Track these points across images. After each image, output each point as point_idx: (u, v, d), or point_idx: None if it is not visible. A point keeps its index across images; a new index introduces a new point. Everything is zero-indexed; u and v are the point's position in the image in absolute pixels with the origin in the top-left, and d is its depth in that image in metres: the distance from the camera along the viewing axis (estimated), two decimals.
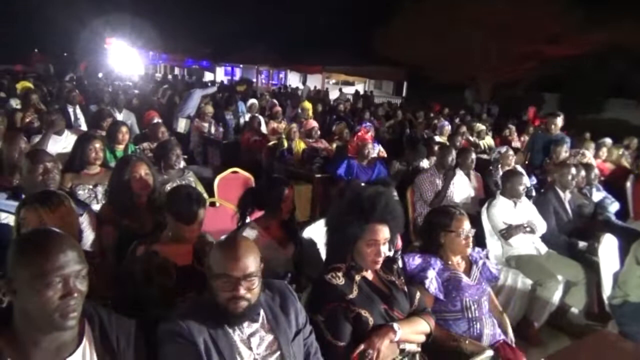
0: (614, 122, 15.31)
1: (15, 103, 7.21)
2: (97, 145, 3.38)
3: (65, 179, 3.10)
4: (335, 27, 21.00)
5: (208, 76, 24.67)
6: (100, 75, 19.45)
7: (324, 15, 21.36)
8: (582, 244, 3.90)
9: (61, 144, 4.39)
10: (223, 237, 1.79)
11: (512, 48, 18.08)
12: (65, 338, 1.36)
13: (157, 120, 5.77)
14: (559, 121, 5.91)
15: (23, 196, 2.45)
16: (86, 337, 1.41)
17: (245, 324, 1.64)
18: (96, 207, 2.98)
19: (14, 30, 22.98)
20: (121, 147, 4.35)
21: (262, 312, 1.69)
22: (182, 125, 7.39)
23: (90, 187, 3.22)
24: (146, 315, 1.62)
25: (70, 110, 6.29)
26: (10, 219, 2.38)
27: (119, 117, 6.21)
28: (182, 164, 3.91)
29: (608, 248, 3.37)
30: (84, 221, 2.47)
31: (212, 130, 7.15)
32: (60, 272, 1.28)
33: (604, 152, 6.66)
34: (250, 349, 1.63)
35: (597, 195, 4.77)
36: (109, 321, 1.47)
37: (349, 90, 23.87)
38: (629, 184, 5.41)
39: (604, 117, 17.71)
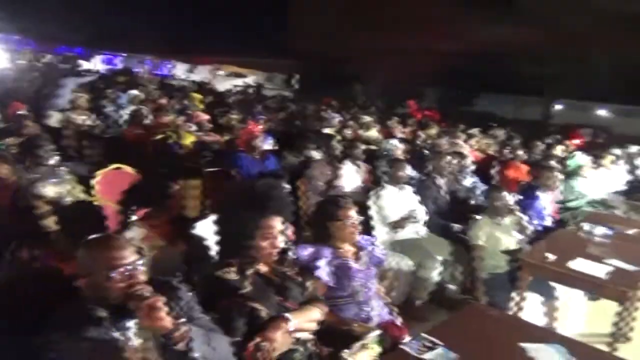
0: (484, 115, 16.97)
1: None
2: None
3: None
4: (227, 14, 20.42)
5: (85, 65, 22.65)
6: None
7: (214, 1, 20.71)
8: (456, 227, 4.29)
9: None
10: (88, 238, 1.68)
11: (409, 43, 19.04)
12: None
13: (22, 112, 5.18)
14: None
15: None
16: None
17: (128, 320, 1.57)
18: None
19: None
20: None
21: None
22: (55, 118, 6.73)
23: None
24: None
25: None
26: None
27: None
28: (54, 160, 3.57)
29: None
30: None
31: (89, 123, 6.60)
32: None
33: (474, 141, 7.38)
34: (131, 342, 1.56)
35: (469, 180, 5.27)
36: None
37: (238, 82, 23.44)
38: (494, 170, 6.05)
39: (475, 110, 19.61)
